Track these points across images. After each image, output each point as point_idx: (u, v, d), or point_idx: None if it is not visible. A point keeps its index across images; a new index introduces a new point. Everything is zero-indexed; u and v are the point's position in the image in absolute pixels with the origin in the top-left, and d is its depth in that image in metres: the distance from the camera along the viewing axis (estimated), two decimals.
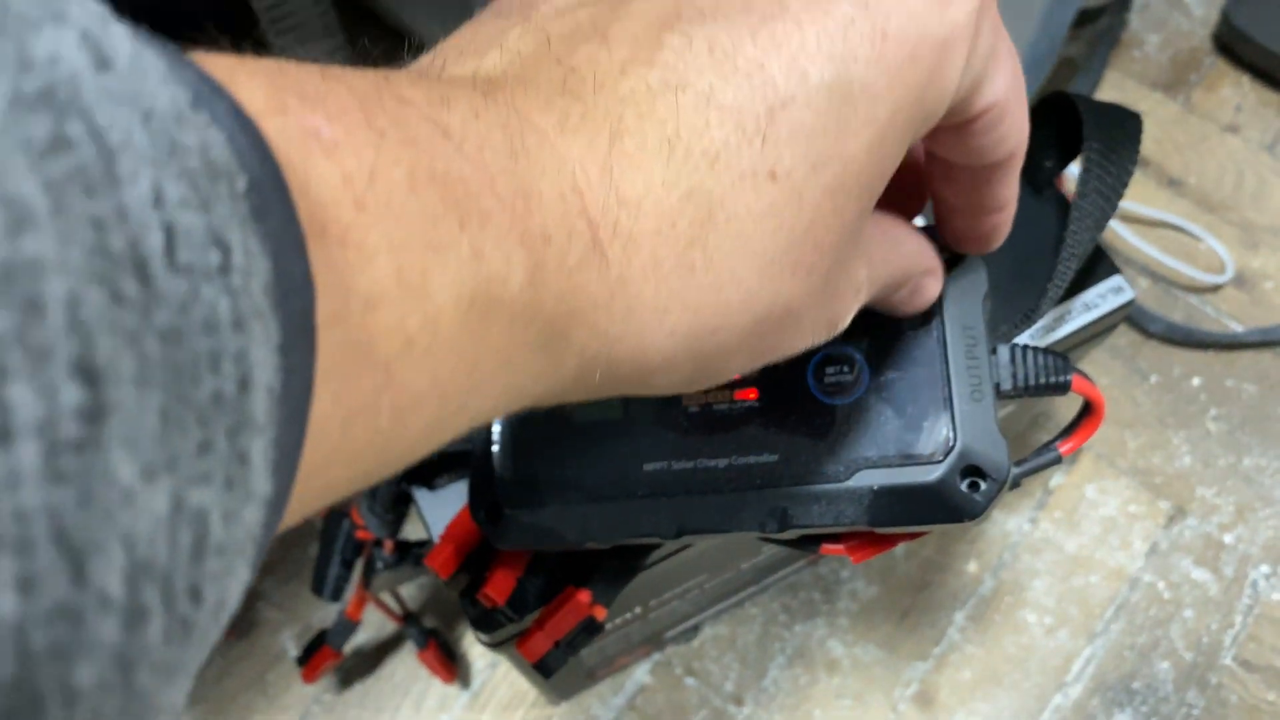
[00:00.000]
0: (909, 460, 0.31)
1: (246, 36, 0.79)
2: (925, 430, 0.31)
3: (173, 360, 0.13)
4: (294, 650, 0.72)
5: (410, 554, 0.53)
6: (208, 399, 0.13)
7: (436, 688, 0.70)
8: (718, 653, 0.71)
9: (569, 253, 0.19)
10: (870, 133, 0.21)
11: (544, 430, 0.35)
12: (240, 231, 0.14)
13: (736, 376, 0.25)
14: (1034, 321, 0.43)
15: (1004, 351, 0.33)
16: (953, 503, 0.30)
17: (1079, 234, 0.43)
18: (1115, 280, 0.49)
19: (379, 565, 0.54)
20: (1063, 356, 0.34)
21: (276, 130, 0.16)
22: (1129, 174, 0.45)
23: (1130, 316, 0.79)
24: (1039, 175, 0.51)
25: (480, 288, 0.18)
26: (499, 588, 0.41)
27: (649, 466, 0.33)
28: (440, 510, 0.47)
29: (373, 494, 0.49)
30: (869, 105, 0.21)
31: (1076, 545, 0.73)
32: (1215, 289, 0.81)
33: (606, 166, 0.20)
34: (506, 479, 0.34)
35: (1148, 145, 0.87)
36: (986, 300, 0.33)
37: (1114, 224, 0.81)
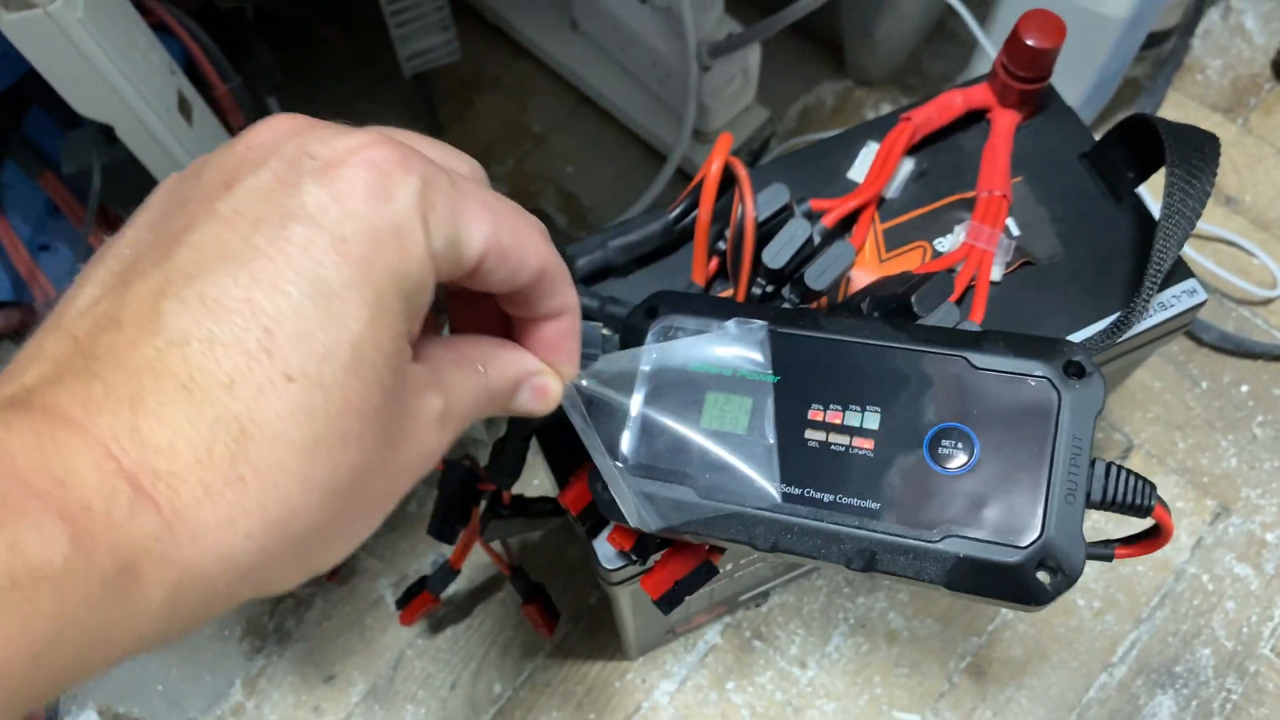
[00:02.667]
0: (998, 539, 0.34)
1: (366, 32, 0.85)
2: (1019, 516, 0.34)
3: None
4: (391, 597, 0.77)
5: (527, 507, 0.58)
6: None
7: (522, 638, 0.76)
8: (784, 619, 0.76)
9: (114, 510, 0.22)
10: (365, 313, 0.25)
11: (672, 426, 0.39)
12: None
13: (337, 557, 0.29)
14: (1123, 334, 0.48)
15: (1100, 465, 0.36)
16: (1026, 587, 0.33)
17: (1165, 250, 0.48)
18: (1189, 283, 0.54)
19: (495, 515, 0.59)
20: (1150, 484, 0.36)
21: None
22: (1208, 194, 0.49)
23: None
24: (1120, 185, 0.55)
25: (19, 570, 0.21)
26: (623, 533, 0.47)
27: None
28: (569, 462, 0.52)
29: (499, 447, 0.54)
30: (353, 293, 0.25)
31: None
32: (1266, 303, 0.86)
33: (134, 427, 0.23)
34: (629, 462, 0.38)
35: None
36: (1099, 417, 0.36)
37: None
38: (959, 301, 0.52)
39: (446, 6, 0.83)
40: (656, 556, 0.48)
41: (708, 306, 0.41)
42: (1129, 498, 0.36)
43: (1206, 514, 0.79)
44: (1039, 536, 0.34)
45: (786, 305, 0.50)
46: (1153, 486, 0.36)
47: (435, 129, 0.92)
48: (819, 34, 0.94)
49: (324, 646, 0.76)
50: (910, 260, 0.53)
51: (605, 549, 0.49)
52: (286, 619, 0.77)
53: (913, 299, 0.46)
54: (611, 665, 0.75)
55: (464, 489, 0.58)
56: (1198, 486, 0.80)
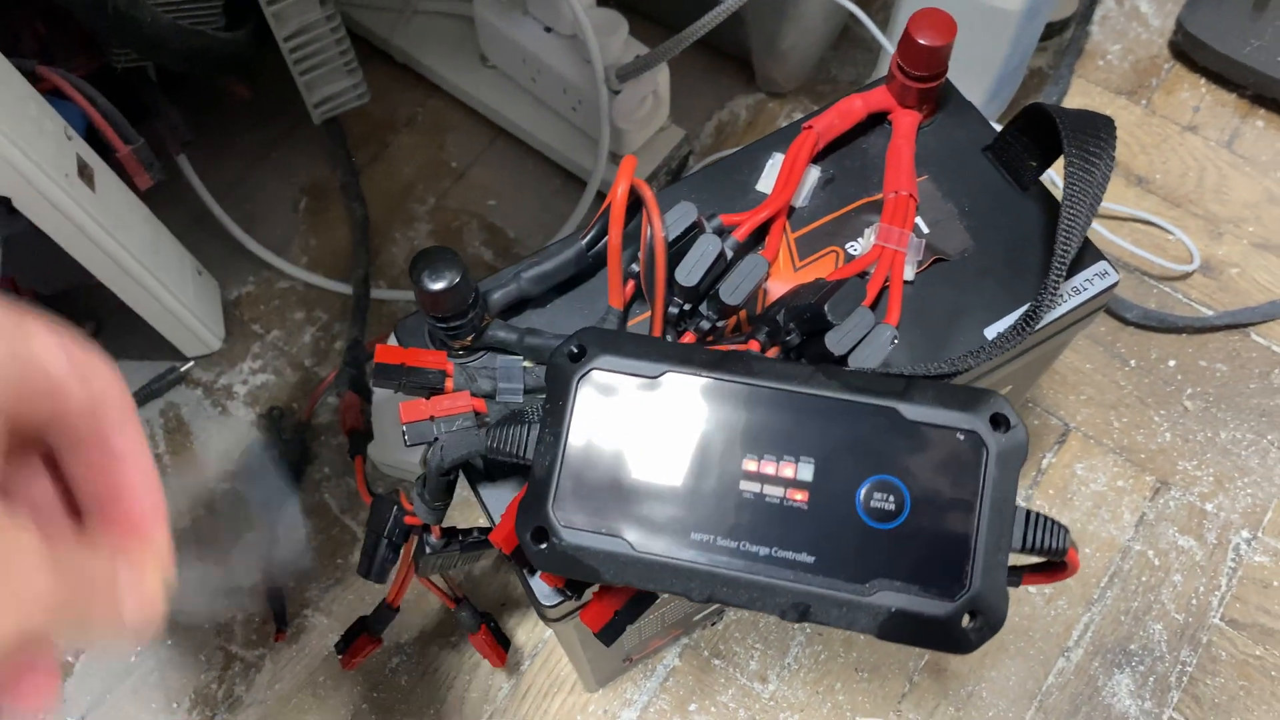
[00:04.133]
0: (928, 592, 0.35)
1: (274, 82, 0.84)
2: (948, 569, 0.36)
3: None
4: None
5: (457, 539, 0.57)
6: None
7: (480, 680, 0.74)
8: (741, 634, 0.75)
9: None
10: None
11: (605, 477, 0.38)
12: None
13: None
14: (1037, 323, 0.48)
15: (1022, 513, 0.37)
16: (954, 637, 0.35)
17: (1069, 235, 0.49)
18: (1100, 266, 0.54)
19: (427, 549, 0.58)
20: (1065, 530, 0.38)
21: None
22: (1108, 176, 0.50)
23: (1109, 306, 0.85)
24: (1024, 174, 0.56)
25: None
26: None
27: (695, 536, 0.37)
28: (499, 496, 0.51)
29: (423, 482, 0.53)
30: None
31: (1069, 520, 0.79)
32: (1185, 277, 0.87)
33: None
34: (559, 510, 0.38)
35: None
36: (1021, 468, 0.37)
37: None
38: (874, 304, 0.52)
39: (350, 51, 0.83)
40: (594, 588, 0.47)
41: (636, 347, 0.40)
42: (1047, 543, 0.37)
43: (1146, 490, 0.80)
44: (967, 589, 0.35)
45: (706, 324, 0.50)
46: (1066, 531, 0.38)
47: (351, 173, 0.91)
48: (728, 50, 0.95)
49: (277, 710, 0.74)
50: (824, 267, 0.54)
51: (541, 587, 0.48)
52: (235, 685, 0.75)
53: (825, 308, 0.46)
54: (572, 699, 0.74)
55: (393, 526, 0.57)
56: (1135, 463, 0.81)
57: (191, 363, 0.85)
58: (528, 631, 0.76)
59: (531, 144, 0.92)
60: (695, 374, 0.39)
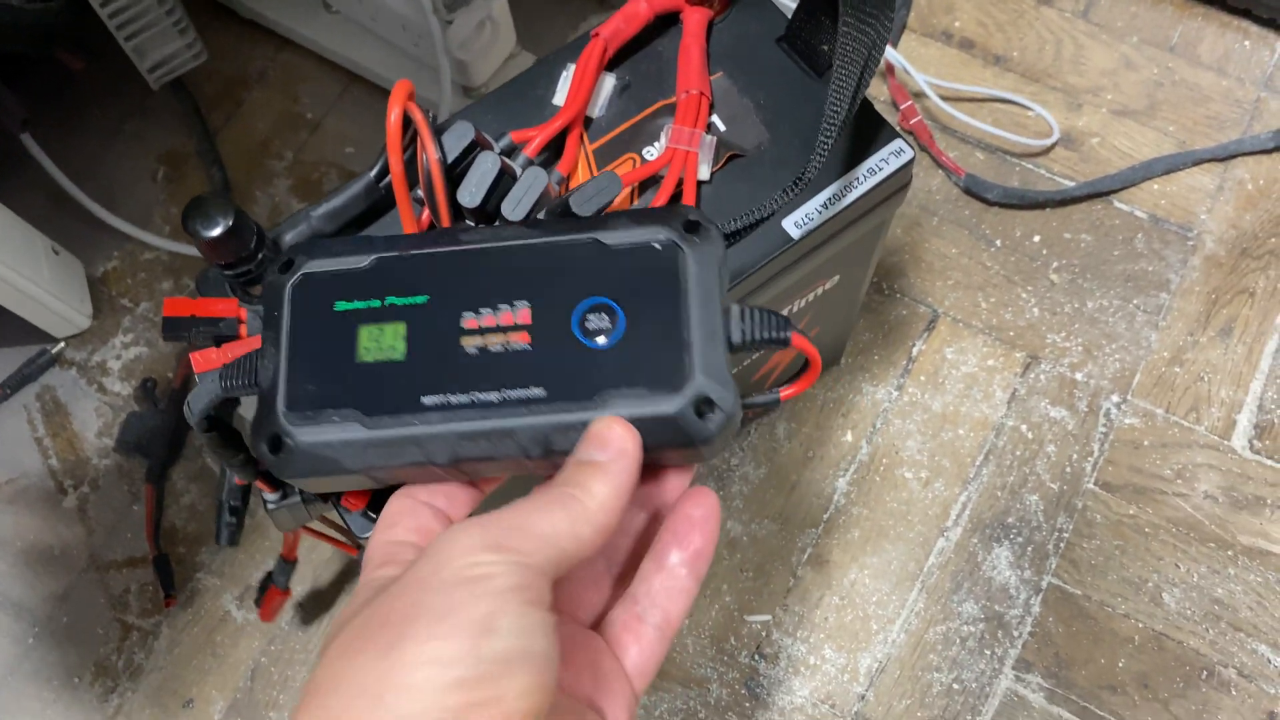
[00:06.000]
0: (653, 393, 0.36)
1: (109, 52, 0.82)
2: (669, 369, 0.36)
3: None
4: (237, 610, 0.76)
5: (295, 490, 0.58)
6: None
7: None
8: None
9: None
10: None
11: (326, 365, 0.38)
12: None
13: None
14: (805, 184, 0.48)
15: (735, 309, 0.38)
16: (688, 430, 0.36)
17: (837, 98, 0.48)
18: (895, 144, 0.54)
19: (269, 506, 0.58)
20: (784, 318, 0.39)
21: None
22: (884, 35, 0.49)
23: (969, 188, 0.85)
24: (818, 59, 0.56)
25: None
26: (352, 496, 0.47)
27: (427, 399, 0.37)
28: None
29: (206, 437, 0.52)
30: None
31: (942, 404, 0.80)
32: (1046, 152, 0.87)
33: None
34: (288, 411, 0.38)
35: (970, 28, 0.92)
36: (723, 266, 0.39)
37: (945, 105, 0.86)
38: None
39: (179, 9, 0.81)
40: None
41: (346, 247, 0.40)
42: (765, 333, 0.38)
43: (1017, 366, 0.81)
44: (689, 381, 0.36)
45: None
46: (786, 320, 0.38)
47: (206, 137, 0.90)
48: None
49: (178, 672, 0.75)
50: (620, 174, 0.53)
51: (355, 520, 0.49)
52: (135, 653, 0.76)
53: (571, 200, 0.45)
54: None
55: (228, 490, 0.58)
56: (1005, 341, 0.81)
57: (62, 343, 0.85)
58: None
59: (384, 86, 0.90)
60: (403, 252, 0.39)
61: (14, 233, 0.78)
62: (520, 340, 0.38)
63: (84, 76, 0.90)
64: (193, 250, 0.86)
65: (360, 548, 0.67)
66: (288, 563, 0.70)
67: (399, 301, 0.38)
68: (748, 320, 0.38)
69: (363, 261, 0.39)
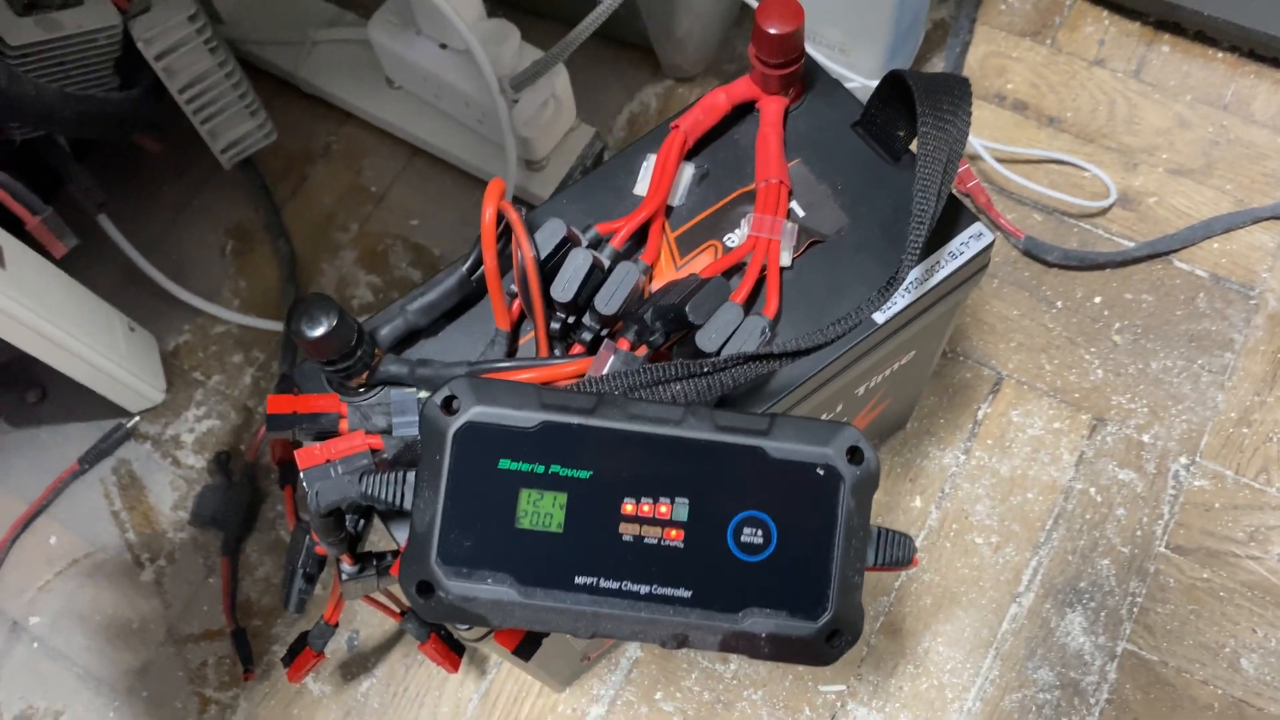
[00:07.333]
0: (793, 617, 0.39)
1: (182, 132, 0.85)
2: (811, 595, 0.39)
3: None
4: (313, 684, 0.77)
5: (372, 564, 0.59)
6: None
7: (449, 693, 0.76)
8: None
9: None
10: None
11: (485, 526, 0.40)
12: None
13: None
14: (898, 286, 0.49)
15: (873, 534, 0.41)
16: (816, 653, 0.39)
17: (924, 195, 0.49)
18: (975, 228, 0.55)
19: (344, 576, 0.59)
20: (911, 541, 0.42)
21: None
22: (964, 134, 0.51)
23: (1028, 250, 0.86)
24: (894, 145, 0.57)
25: None
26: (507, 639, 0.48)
27: (579, 579, 0.39)
28: (405, 526, 0.52)
29: (322, 522, 0.54)
30: None
31: (1010, 467, 0.80)
32: (1103, 213, 0.88)
33: None
34: (442, 563, 0.39)
35: (1023, 90, 0.93)
36: (872, 495, 0.41)
37: (1001, 168, 0.87)
38: (754, 293, 0.53)
39: (250, 93, 0.83)
40: None
41: (512, 397, 0.41)
42: (894, 556, 0.41)
43: (1083, 429, 0.81)
44: (828, 611, 0.39)
45: (588, 335, 0.51)
46: (910, 540, 0.42)
47: (272, 211, 0.92)
48: (630, 40, 0.95)
49: None
50: (703, 262, 0.54)
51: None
52: None
53: (687, 308, 0.47)
54: (541, 701, 0.76)
55: (306, 556, 0.59)
56: (1070, 404, 0.82)
57: (137, 418, 0.87)
58: None
59: (446, 159, 0.92)
60: (569, 420, 0.40)
61: (94, 311, 0.80)
62: (674, 538, 0.40)
63: (156, 156, 0.92)
64: (263, 322, 0.88)
65: (404, 614, 0.68)
66: (328, 627, 0.70)
67: (563, 472, 0.40)
68: (882, 545, 0.41)
69: (530, 420, 0.40)
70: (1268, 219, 0.86)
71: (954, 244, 0.55)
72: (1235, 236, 0.86)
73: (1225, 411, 0.81)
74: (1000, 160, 0.88)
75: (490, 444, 0.40)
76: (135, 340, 0.85)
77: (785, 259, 0.54)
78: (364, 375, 0.51)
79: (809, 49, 0.57)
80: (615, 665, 0.76)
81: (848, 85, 0.60)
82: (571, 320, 0.52)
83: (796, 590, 0.39)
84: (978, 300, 0.85)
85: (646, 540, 0.39)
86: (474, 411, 0.40)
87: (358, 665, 0.78)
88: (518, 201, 0.87)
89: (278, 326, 0.88)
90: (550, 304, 0.51)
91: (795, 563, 0.39)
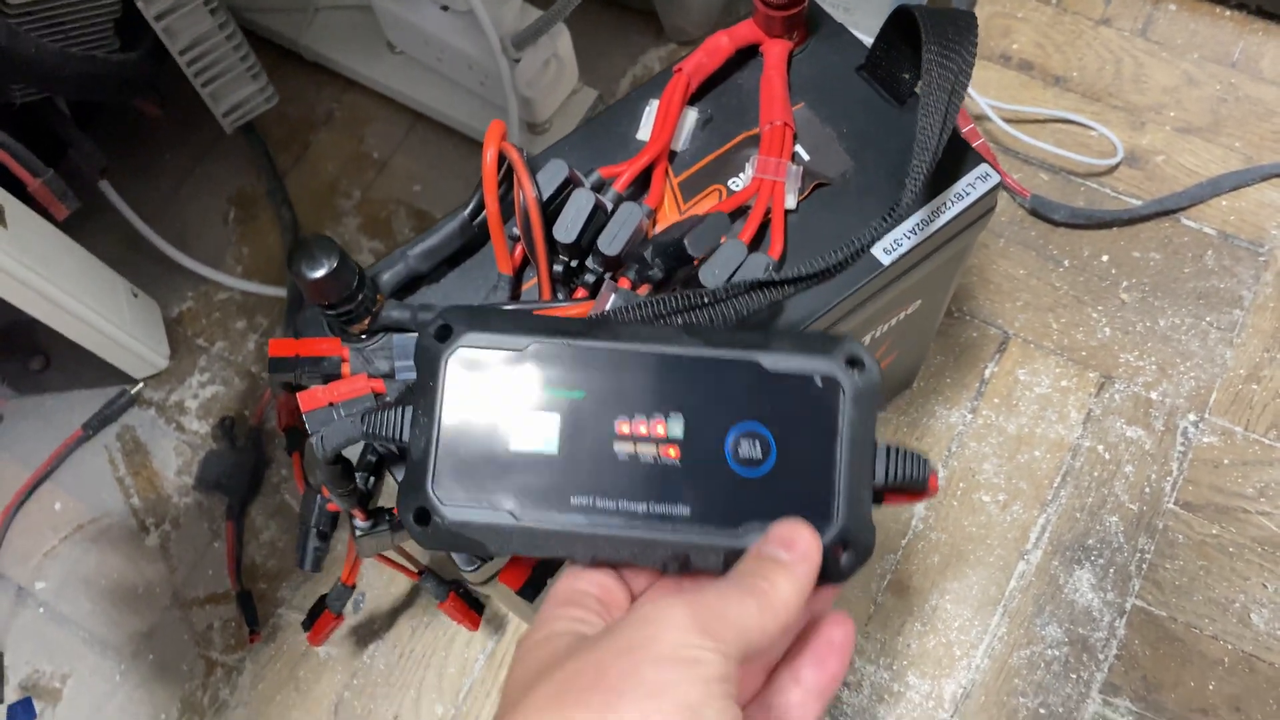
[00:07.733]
0: None
1: (183, 97, 0.84)
2: (815, 508, 0.37)
3: None
4: (318, 647, 0.77)
5: (385, 518, 0.58)
6: None
7: (456, 653, 0.76)
8: None
9: None
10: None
11: (479, 450, 0.39)
12: None
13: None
14: (901, 218, 0.49)
15: (882, 449, 0.39)
16: (827, 570, 0.36)
17: (927, 128, 0.49)
18: (981, 169, 0.55)
19: (357, 533, 0.59)
20: (925, 460, 0.39)
21: None
22: (968, 67, 0.50)
23: (1035, 209, 0.85)
24: (899, 88, 0.56)
25: None
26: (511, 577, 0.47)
27: (575, 499, 0.38)
28: None
29: (329, 470, 0.54)
30: None
31: (1017, 426, 0.79)
32: (1110, 171, 0.87)
33: None
34: (439, 489, 0.39)
35: (1028, 49, 0.93)
36: (877, 406, 0.39)
37: (1008, 127, 0.86)
38: (758, 235, 0.52)
39: (251, 56, 0.83)
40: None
41: (504, 323, 0.40)
42: (908, 474, 0.38)
43: (1091, 386, 0.80)
44: (835, 524, 0.37)
45: (591, 277, 0.51)
46: (926, 460, 0.39)
47: (275, 177, 0.91)
48: (634, 4, 0.95)
49: (262, 708, 0.76)
50: (707, 205, 0.54)
51: (460, 555, 0.49)
52: (220, 689, 0.77)
53: (686, 241, 0.46)
54: None
55: (319, 515, 0.59)
56: (1078, 362, 0.81)
57: (141, 384, 0.86)
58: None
59: (449, 124, 0.92)
60: (561, 342, 0.40)
61: (98, 277, 0.80)
62: (671, 454, 0.38)
63: (158, 122, 0.92)
64: (266, 289, 0.88)
65: (422, 574, 0.68)
66: (346, 588, 0.70)
67: (556, 394, 0.39)
68: (893, 461, 0.38)
69: (521, 344, 0.40)
70: (1277, 176, 0.85)
71: (960, 185, 0.54)
72: (1244, 194, 0.85)
73: (1234, 368, 0.80)
74: (1006, 120, 0.87)
75: (484, 369, 0.39)
76: (138, 306, 0.85)
77: (790, 201, 0.53)
78: (366, 321, 0.51)
79: None
80: None
81: None
82: (575, 264, 0.51)
83: (800, 503, 0.37)
84: (984, 259, 0.85)
85: (642, 458, 0.38)
86: (467, 337, 0.40)
87: (364, 628, 0.77)
88: None
89: (281, 293, 0.88)
90: (553, 247, 0.51)
91: (797, 476, 0.37)
